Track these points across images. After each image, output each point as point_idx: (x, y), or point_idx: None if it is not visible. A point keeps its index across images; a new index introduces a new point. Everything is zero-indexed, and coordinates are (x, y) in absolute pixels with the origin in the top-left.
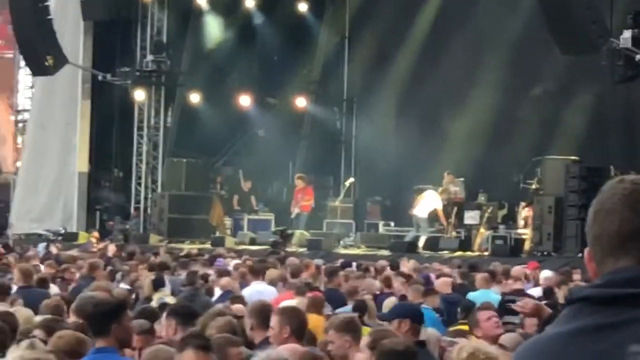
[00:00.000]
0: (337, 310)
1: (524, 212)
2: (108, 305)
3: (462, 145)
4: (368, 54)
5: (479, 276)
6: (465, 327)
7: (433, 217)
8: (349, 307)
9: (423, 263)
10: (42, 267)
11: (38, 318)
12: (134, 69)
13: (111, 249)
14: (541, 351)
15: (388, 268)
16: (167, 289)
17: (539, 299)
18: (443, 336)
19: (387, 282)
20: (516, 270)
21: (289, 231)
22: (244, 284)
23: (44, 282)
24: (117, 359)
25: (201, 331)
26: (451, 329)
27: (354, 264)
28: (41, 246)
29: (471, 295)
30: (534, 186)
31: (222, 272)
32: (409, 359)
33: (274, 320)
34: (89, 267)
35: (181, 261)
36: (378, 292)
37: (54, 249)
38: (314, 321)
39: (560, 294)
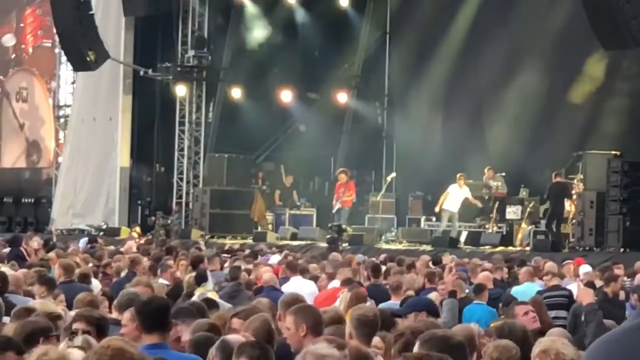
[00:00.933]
0: (380, 305)
1: (566, 207)
2: (160, 302)
3: (504, 140)
4: (409, 49)
5: (523, 270)
6: None
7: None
8: (390, 302)
9: (464, 258)
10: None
11: (72, 313)
12: (175, 64)
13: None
14: (612, 345)
15: (430, 263)
16: (209, 284)
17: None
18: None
19: (430, 278)
20: (549, 265)
21: (344, 227)
22: (284, 279)
23: (85, 277)
24: (171, 353)
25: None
26: (492, 324)
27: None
28: (82, 241)
29: (515, 290)
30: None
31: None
32: (461, 350)
33: (289, 321)
34: (130, 263)
35: (209, 256)
36: (420, 287)
37: (101, 243)
38: None
39: (609, 290)
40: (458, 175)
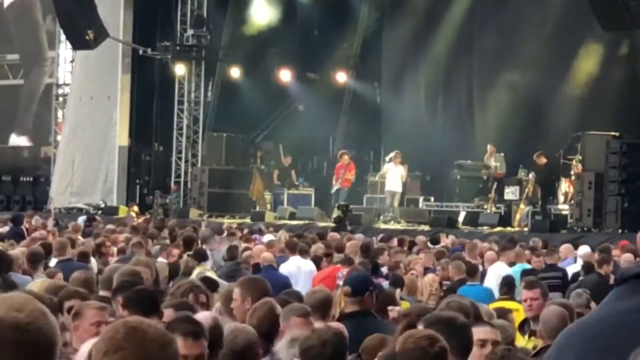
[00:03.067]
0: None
1: (564, 188)
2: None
3: (502, 120)
4: (408, 29)
5: (516, 251)
6: (507, 304)
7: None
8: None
9: (462, 238)
10: (81, 239)
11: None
12: (174, 44)
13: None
14: (595, 331)
15: (428, 243)
16: (208, 264)
17: (575, 275)
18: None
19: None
20: (565, 247)
21: (351, 207)
22: (283, 258)
23: (84, 256)
24: None
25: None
26: (492, 305)
27: (395, 239)
28: (81, 219)
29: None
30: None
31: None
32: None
33: (236, 292)
34: (128, 242)
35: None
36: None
37: (98, 221)
38: None
39: (602, 271)
40: (394, 153)
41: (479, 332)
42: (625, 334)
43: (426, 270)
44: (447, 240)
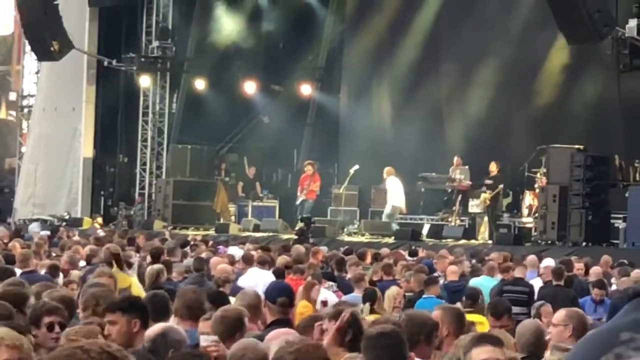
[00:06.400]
0: (344, 298)
1: (529, 201)
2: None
3: (467, 133)
4: (373, 40)
5: (487, 264)
6: (470, 317)
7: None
8: (353, 294)
9: (427, 251)
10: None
11: None
12: (139, 55)
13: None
14: (603, 342)
15: (406, 255)
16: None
17: (541, 288)
18: None
19: (388, 270)
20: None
21: (314, 219)
22: (241, 271)
23: (55, 269)
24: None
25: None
26: None
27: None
28: (43, 232)
29: (474, 282)
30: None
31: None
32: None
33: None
34: (92, 254)
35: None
36: (378, 280)
37: (64, 234)
38: (301, 307)
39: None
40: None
41: (480, 352)
42: (620, 346)
43: (390, 282)
44: (423, 253)
